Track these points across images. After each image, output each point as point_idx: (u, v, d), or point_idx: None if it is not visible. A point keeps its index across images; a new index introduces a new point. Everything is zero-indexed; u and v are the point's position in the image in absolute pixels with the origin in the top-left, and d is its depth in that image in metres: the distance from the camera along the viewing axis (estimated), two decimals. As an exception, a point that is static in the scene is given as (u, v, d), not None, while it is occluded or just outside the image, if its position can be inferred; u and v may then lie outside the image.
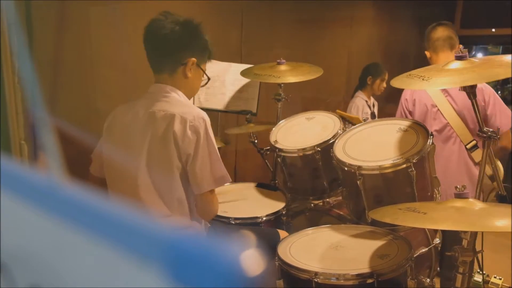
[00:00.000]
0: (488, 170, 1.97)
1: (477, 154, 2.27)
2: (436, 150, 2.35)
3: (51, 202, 0.38)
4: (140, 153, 1.59)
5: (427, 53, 2.53)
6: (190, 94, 1.73)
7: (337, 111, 3.22)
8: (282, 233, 1.93)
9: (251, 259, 0.28)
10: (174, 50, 1.62)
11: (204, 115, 1.58)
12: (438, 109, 2.38)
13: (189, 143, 1.53)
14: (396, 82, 1.62)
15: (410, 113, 2.51)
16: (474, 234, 1.51)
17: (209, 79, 1.76)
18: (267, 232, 1.98)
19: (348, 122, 2.69)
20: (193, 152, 1.54)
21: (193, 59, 1.65)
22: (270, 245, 1.71)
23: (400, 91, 2.58)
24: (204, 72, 1.72)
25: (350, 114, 3.80)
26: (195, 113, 1.56)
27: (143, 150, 1.58)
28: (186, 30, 1.62)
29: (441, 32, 2.44)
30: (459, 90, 1.65)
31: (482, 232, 1.91)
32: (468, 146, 2.28)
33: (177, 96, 1.64)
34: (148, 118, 1.58)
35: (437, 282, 2.36)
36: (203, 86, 1.77)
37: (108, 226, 0.33)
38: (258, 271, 0.28)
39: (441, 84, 1.61)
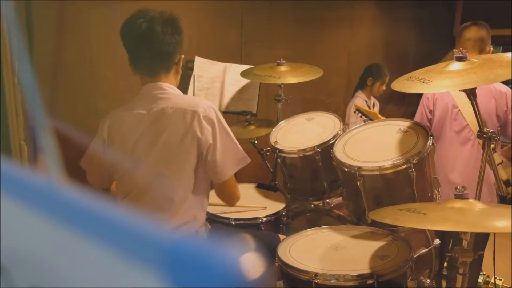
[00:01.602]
0: (503, 175, 1.95)
1: (494, 158, 2.20)
2: (453, 151, 2.36)
3: (50, 203, 0.38)
4: (152, 152, 1.58)
5: (456, 52, 2.44)
6: (176, 85, 1.74)
7: (355, 104, 3.21)
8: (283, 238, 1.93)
9: (250, 262, 0.28)
10: (169, 53, 1.62)
11: (212, 104, 1.62)
12: (459, 110, 2.33)
13: (208, 134, 1.56)
14: (397, 85, 1.62)
15: (431, 112, 2.47)
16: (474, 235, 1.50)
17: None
18: (268, 236, 1.98)
19: (365, 116, 2.68)
20: (212, 142, 1.57)
21: (183, 56, 1.68)
22: (270, 249, 1.71)
23: (401, 92, 2.56)
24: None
25: (350, 114, 3.81)
26: (204, 104, 1.59)
27: (156, 148, 1.57)
28: (175, 30, 1.60)
29: (473, 32, 2.33)
30: (459, 90, 1.65)
31: (494, 236, 1.90)
32: None
33: (174, 91, 1.64)
34: (157, 116, 1.57)
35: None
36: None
37: (107, 228, 0.33)
38: (257, 274, 0.28)
39: (442, 87, 1.60)
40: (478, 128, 1.98)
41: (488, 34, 2.34)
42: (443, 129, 2.41)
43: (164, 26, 1.57)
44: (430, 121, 2.48)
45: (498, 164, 2.16)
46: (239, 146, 1.66)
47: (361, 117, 2.70)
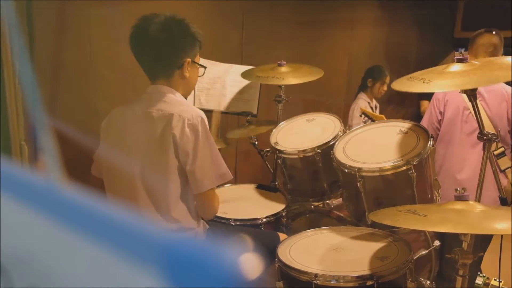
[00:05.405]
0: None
1: (503, 162, 2.22)
2: (463, 154, 2.39)
3: (50, 203, 0.38)
4: (138, 154, 1.59)
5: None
6: (188, 91, 1.73)
7: (361, 108, 3.22)
8: (282, 236, 1.93)
9: (249, 262, 0.28)
10: (166, 56, 1.61)
11: (202, 113, 1.58)
12: (471, 112, 2.33)
13: (188, 141, 1.53)
14: (397, 85, 1.62)
15: (441, 113, 2.49)
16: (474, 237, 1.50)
17: (205, 68, 1.75)
18: (267, 235, 1.98)
19: (371, 120, 2.68)
20: (192, 151, 1.54)
21: (188, 59, 1.64)
22: (269, 248, 1.71)
23: (401, 93, 2.57)
24: (199, 65, 1.71)
25: (353, 115, 3.81)
26: (193, 112, 1.56)
27: (141, 151, 1.58)
28: (175, 34, 1.59)
29: (486, 39, 2.42)
30: (460, 92, 1.65)
31: (502, 238, 1.90)
32: (495, 153, 2.17)
33: (174, 96, 1.63)
34: (145, 118, 1.58)
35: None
36: (201, 76, 1.76)
37: (107, 228, 0.33)
38: (255, 274, 0.28)
39: (442, 87, 1.61)
40: (490, 131, 1.96)
41: (501, 41, 2.41)
42: (453, 131, 2.43)
43: (163, 31, 1.56)
44: (439, 122, 2.50)
45: (507, 168, 2.16)
46: (223, 161, 1.62)
47: (366, 121, 2.71)
